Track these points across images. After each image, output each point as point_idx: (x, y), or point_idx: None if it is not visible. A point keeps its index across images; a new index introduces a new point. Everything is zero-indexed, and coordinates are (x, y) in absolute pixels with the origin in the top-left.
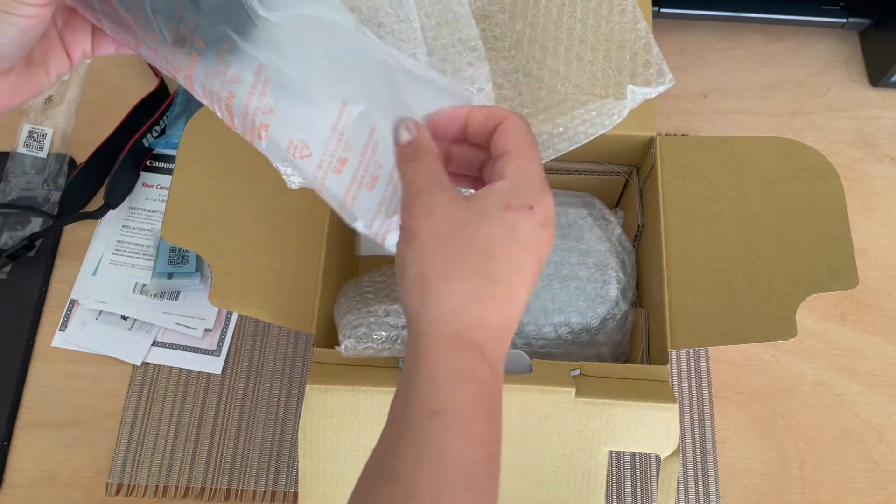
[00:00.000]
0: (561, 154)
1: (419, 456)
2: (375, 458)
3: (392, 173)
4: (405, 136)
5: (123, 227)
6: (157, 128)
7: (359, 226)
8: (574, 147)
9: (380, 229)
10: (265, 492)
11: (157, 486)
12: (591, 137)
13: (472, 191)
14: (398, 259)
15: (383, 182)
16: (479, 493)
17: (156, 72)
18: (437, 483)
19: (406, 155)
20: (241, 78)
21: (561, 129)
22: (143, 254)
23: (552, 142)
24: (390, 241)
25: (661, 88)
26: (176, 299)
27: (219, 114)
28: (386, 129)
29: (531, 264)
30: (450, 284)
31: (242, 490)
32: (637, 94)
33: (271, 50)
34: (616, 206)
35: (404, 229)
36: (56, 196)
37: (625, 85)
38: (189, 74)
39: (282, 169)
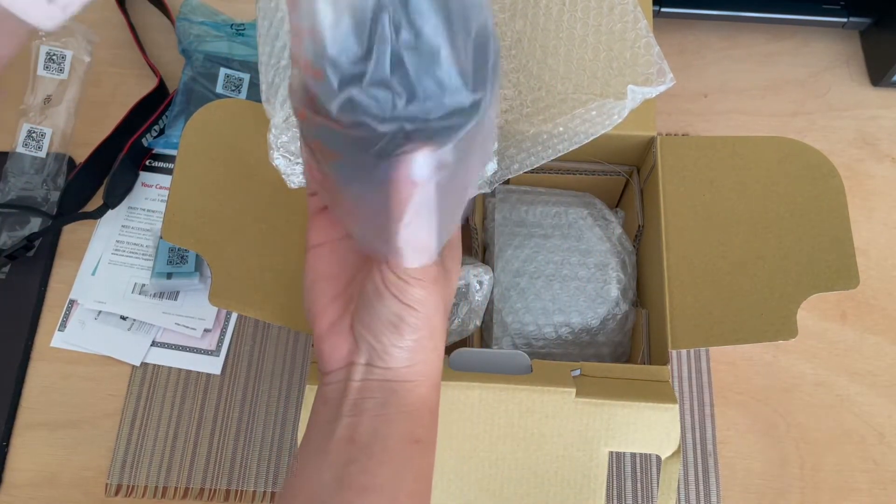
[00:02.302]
0: (561, 154)
1: (398, 472)
2: (333, 471)
3: None
4: None
5: (122, 226)
6: (157, 127)
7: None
8: (574, 147)
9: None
10: (265, 492)
11: (156, 487)
12: (592, 137)
13: None
14: (394, 317)
15: None
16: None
17: (155, 71)
18: (416, 493)
19: None
20: None
21: (561, 128)
22: (143, 254)
23: (552, 142)
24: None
25: (662, 88)
26: (175, 299)
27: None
28: None
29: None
30: (438, 343)
31: (242, 490)
32: (637, 94)
33: None
34: (616, 206)
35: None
36: (55, 196)
37: (625, 84)
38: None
39: (282, 169)
